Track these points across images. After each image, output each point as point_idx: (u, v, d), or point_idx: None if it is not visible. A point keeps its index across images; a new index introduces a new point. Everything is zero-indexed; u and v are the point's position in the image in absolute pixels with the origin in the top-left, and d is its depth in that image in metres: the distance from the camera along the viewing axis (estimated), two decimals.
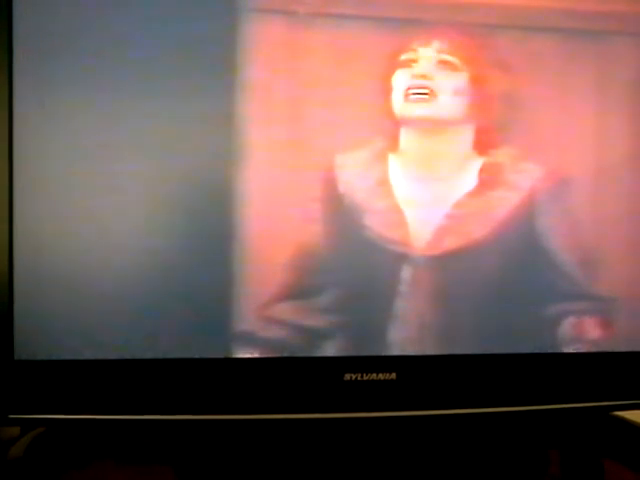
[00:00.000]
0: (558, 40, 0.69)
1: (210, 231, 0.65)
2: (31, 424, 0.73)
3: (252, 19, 0.65)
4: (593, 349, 0.72)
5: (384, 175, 0.68)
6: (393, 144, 0.68)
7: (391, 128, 0.68)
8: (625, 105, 0.71)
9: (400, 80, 0.67)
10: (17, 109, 0.61)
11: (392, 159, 0.68)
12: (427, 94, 0.67)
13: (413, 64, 0.67)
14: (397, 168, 0.68)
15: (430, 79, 0.67)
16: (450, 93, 0.68)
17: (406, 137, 0.68)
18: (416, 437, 0.75)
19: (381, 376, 0.68)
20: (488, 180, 0.69)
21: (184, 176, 0.65)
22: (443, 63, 0.67)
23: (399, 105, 0.67)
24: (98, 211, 0.63)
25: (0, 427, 0.75)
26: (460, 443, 0.76)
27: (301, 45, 0.66)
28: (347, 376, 0.68)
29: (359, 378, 0.68)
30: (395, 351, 0.68)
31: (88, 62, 0.62)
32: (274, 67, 0.65)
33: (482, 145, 0.69)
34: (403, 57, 0.67)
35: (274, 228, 0.66)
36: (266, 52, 0.65)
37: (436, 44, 0.67)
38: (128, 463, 0.73)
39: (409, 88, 0.67)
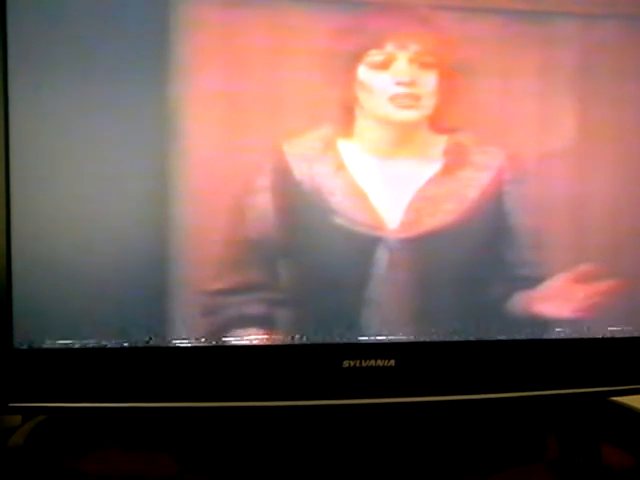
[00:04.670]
0: (502, 21, 0.68)
1: (148, 229, 0.65)
2: (32, 412, 0.73)
3: (187, 2, 0.63)
4: (573, 331, 0.72)
5: (339, 160, 0.67)
6: (345, 130, 0.67)
7: (342, 114, 0.67)
8: (570, 87, 0.70)
9: (380, 85, 0.66)
10: (12, 95, 0.61)
11: (344, 144, 0.67)
12: (413, 100, 0.67)
13: (389, 65, 0.66)
14: (352, 153, 0.67)
15: (415, 86, 0.67)
16: (429, 93, 0.67)
17: (362, 124, 0.67)
18: (414, 423, 0.75)
19: (380, 362, 0.68)
20: (455, 160, 0.69)
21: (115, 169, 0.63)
22: (420, 64, 0.66)
23: (382, 110, 0.67)
24: (94, 200, 0.63)
25: (0, 415, 0.75)
26: (459, 429, 0.76)
27: (238, 26, 0.64)
28: (346, 363, 0.68)
29: (358, 365, 0.68)
30: (372, 335, 0.68)
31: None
32: (209, 50, 0.64)
33: (438, 125, 0.68)
34: (376, 58, 0.66)
35: (221, 222, 0.65)
36: (201, 34, 0.63)
37: (412, 45, 0.66)
38: (129, 451, 0.73)
39: (394, 94, 0.66)
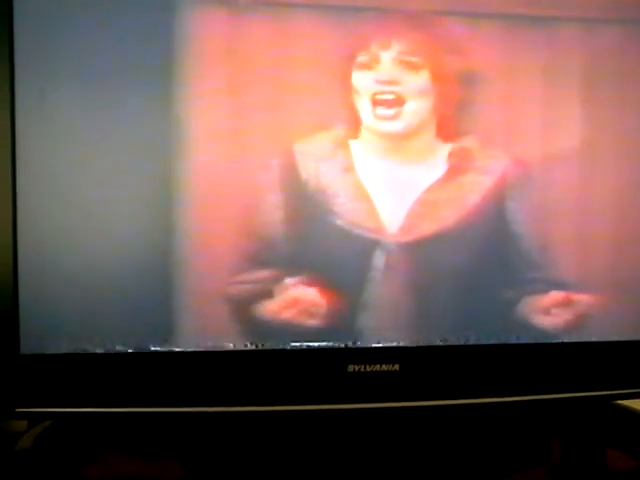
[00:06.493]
0: (506, 26, 0.68)
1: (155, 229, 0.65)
2: (38, 417, 0.73)
3: (191, 8, 0.63)
4: (577, 336, 0.72)
5: (349, 162, 0.67)
6: (354, 132, 0.67)
7: (350, 117, 0.67)
8: (575, 91, 0.70)
9: (364, 85, 0.66)
10: (18, 100, 0.61)
11: (354, 146, 0.67)
12: (396, 102, 0.67)
13: (374, 65, 0.66)
14: (361, 155, 0.67)
15: (397, 84, 0.67)
16: (417, 95, 0.67)
17: (368, 126, 0.67)
18: (419, 427, 0.75)
19: (384, 367, 0.68)
20: (458, 165, 0.69)
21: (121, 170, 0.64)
22: (405, 64, 0.66)
23: (367, 112, 0.67)
24: (99, 205, 0.64)
25: (7, 420, 0.75)
26: (464, 433, 0.77)
27: (244, 31, 0.64)
28: (351, 367, 0.68)
29: (362, 369, 0.68)
30: (371, 340, 0.68)
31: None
32: (215, 58, 0.64)
33: (445, 132, 0.69)
34: (362, 58, 0.66)
35: (228, 219, 0.66)
36: (207, 42, 0.64)
37: (395, 45, 0.66)
38: (135, 456, 0.73)
39: (376, 94, 0.66)
